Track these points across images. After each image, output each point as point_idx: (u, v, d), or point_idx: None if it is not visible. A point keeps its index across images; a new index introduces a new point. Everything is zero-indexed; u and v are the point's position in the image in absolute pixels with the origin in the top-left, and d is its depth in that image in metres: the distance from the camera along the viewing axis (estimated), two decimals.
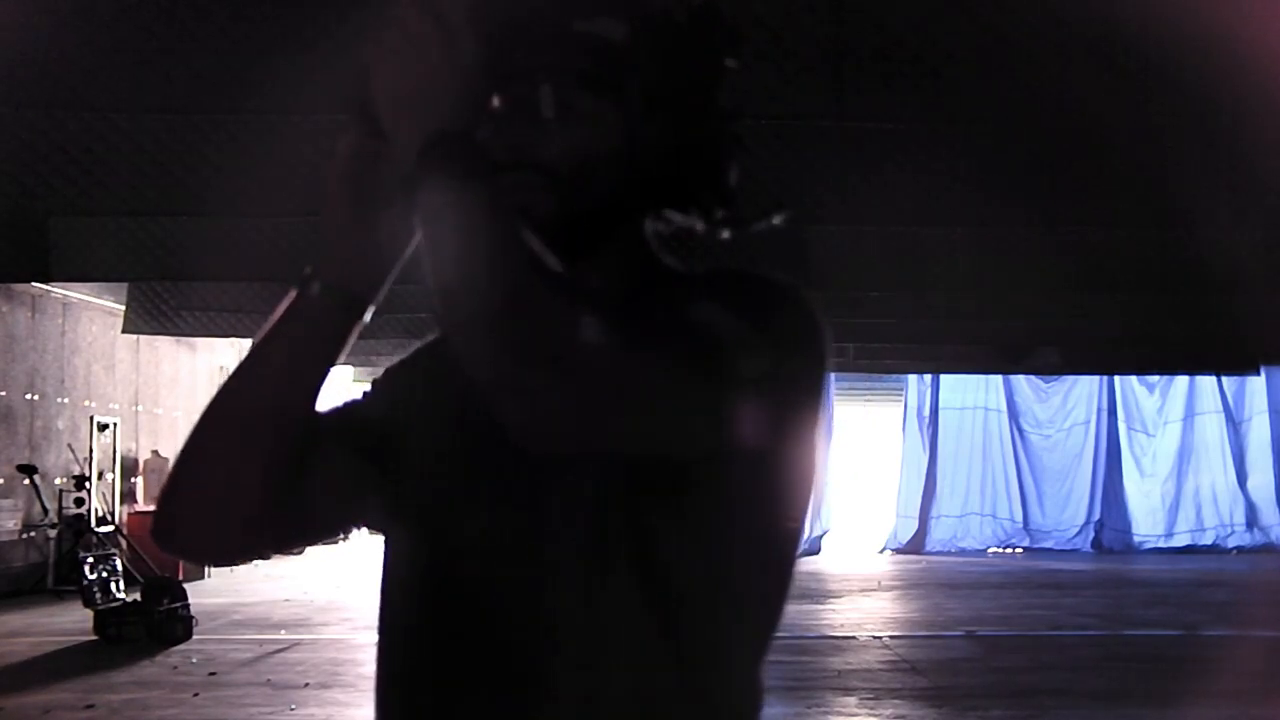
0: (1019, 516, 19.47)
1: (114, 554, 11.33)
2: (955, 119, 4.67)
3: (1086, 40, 4.09)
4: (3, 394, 12.67)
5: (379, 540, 1.23)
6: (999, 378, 18.93)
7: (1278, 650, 8.97)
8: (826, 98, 4.27)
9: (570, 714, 1.07)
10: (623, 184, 1.14)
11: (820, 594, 12.50)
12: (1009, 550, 19.32)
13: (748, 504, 1.09)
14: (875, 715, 6.95)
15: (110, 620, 9.54)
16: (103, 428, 14.24)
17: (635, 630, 1.07)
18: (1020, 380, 19.25)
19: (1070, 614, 11.47)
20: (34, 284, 12.19)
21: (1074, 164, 5.18)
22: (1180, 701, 7.09)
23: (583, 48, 1.10)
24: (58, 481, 13.34)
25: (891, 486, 20.09)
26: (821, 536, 18.21)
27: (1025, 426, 19.61)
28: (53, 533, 12.96)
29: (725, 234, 1.16)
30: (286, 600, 11.87)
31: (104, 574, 10.75)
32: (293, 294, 1.12)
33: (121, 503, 14.64)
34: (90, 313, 14.03)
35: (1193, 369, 15.88)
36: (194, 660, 8.58)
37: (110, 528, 13.30)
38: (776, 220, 1.19)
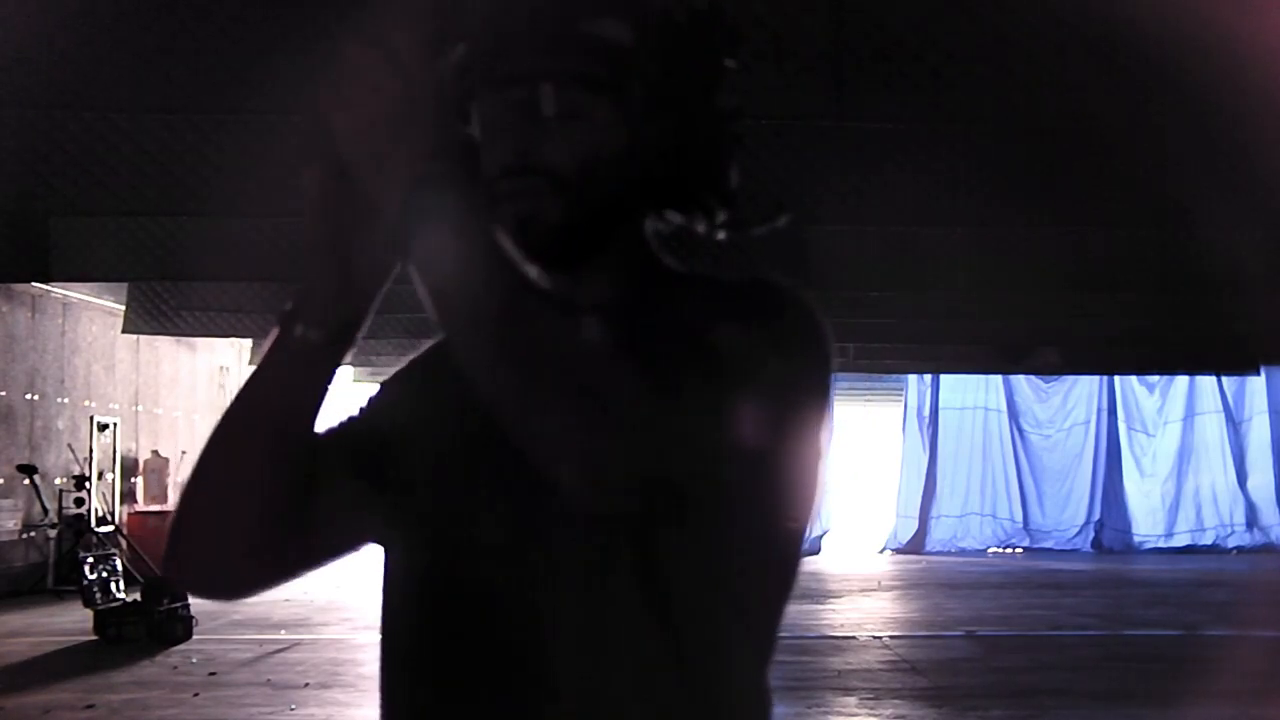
0: (1019, 516, 19.47)
1: (114, 554, 11.32)
2: (955, 119, 4.67)
3: (1086, 40, 4.09)
4: (3, 394, 12.67)
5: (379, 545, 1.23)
6: (999, 378, 18.93)
7: (1278, 650, 8.97)
8: (826, 98, 4.27)
9: (572, 715, 1.07)
10: (624, 185, 1.14)
11: (820, 594, 12.50)
12: (1009, 550, 19.32)
13: (749, 505, 1.09)
14: (875, 715, 6.95)
15: (110, 620, 9.55)
16: (103, 428, 14.24)
17: (637, 631, 1.07)
18: (1020, 380, 19.25)
19: (1070, 614, 11.48)
20: (34, 284, 12.19)
21: (1074, 164, 5.18)
22: (1180, 701, 7.09)
23: (584, 49, 1.10)
24: (58, 481, 13.34)
25: (891, 486, 20.09)
26: (821, 536, 18.21)
27: (1025, 426, 19.61)
28: (53, 533, 12.96)
29: (725, 236, 1.17)
30: (286, 600, 11.86)
31: (104, 574, 10.75)
32: (277, 331, 1.12)
33: (121, 503, 14.65)
34: (90, 313, 14.04)
35: (1193, 369, 15.88)
36: (194, 660, 8.58)
37: (110, 528, 13.30)
38: (777, 223, 1.20)
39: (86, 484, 13.23)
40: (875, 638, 9.85)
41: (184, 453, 16.55)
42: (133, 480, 15.18)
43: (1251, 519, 19.15)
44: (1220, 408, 19.23)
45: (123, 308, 9.80)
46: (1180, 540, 19.12)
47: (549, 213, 1.11)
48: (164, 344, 15.28)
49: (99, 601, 10.29)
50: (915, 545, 19.05)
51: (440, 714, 1.12)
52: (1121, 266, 7.16)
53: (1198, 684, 7.60)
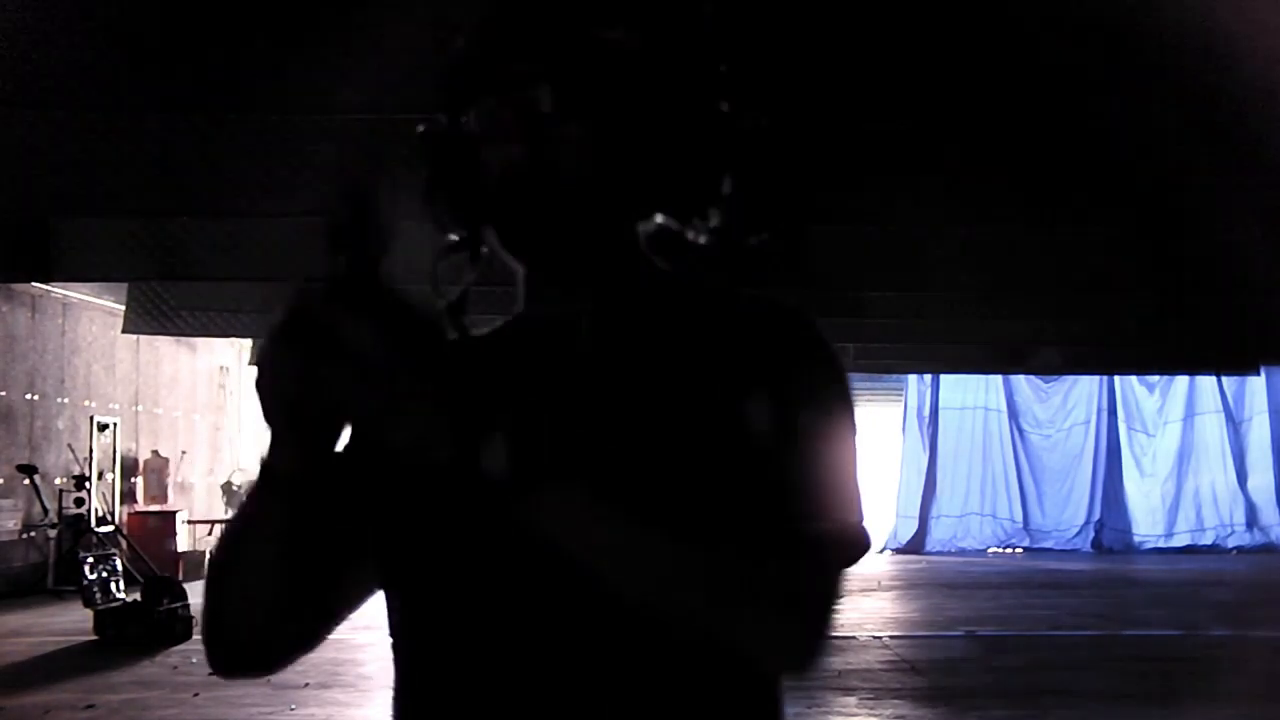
0: (1019, 516, 19.48)
1: (114, 554, 11.33)
2: (955, 119, 4.67)
3: (1087, 41, 4.09)
4: (3, 394, 12.67)
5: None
6: (999, 378, 18.94)
7: (1278, 650, 8.97)
8: (826, 98, 4.28)
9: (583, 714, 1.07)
10: (622, 190, 1.13)
11: None
12: (1009, 550, 19.32)
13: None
14: (875, 715, 6.95)
15: (110, 620, 9.54)
16: (103, 428, 14.24)
17: (649, 633, 1.07)
18: (1020, 380, 19.26)
19: (1070, 614, 11.47)
20: (34, 284, 12.19)
21: (1074, 164, 5.18)
22: (1180, 701, 7.09)
23: (587, 52, 1.10)
24: (58, 481, 13.34)
25: (891, 486, 20.08)
26: None
27: (1025, 426, 19.62)
28: (53, 533, 12.96)
29: (721, 241, 1.16)
30: None
31: (104, 574, 10.75)
32: (257, 480, 1.12)
33: (121, 503, 14.64)
34: (90, 313, 14.04)
35: (1193, 369, 15.90)
36: (194, 660, 8.57)
37: (110, 528, 13.29)
38: (770, 231, 1.20)
39: (86, 484, 13.22)
40: (875, 637, 9.85)
41: (184, 453, 16.55)
42: (133, 480, 15.18)
43: (1251, 519, 19.16)
44: (1220, 408, 19.24)
45: (123, 308, 9.80)
46: (1180, 540, 19.13)
47: (543, 215, 1.11)
48: (164, 344, 15.28)
49: (99, 601, 10.29)
50: (915, 545, 19.05)
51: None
52: (1121, 266, 7.16)
53: (1198, 684, 7.60)
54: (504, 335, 1.20)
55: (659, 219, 1.15)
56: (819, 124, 4.68)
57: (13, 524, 12.79)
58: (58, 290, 13.18)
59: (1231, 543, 19.05)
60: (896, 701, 7.26)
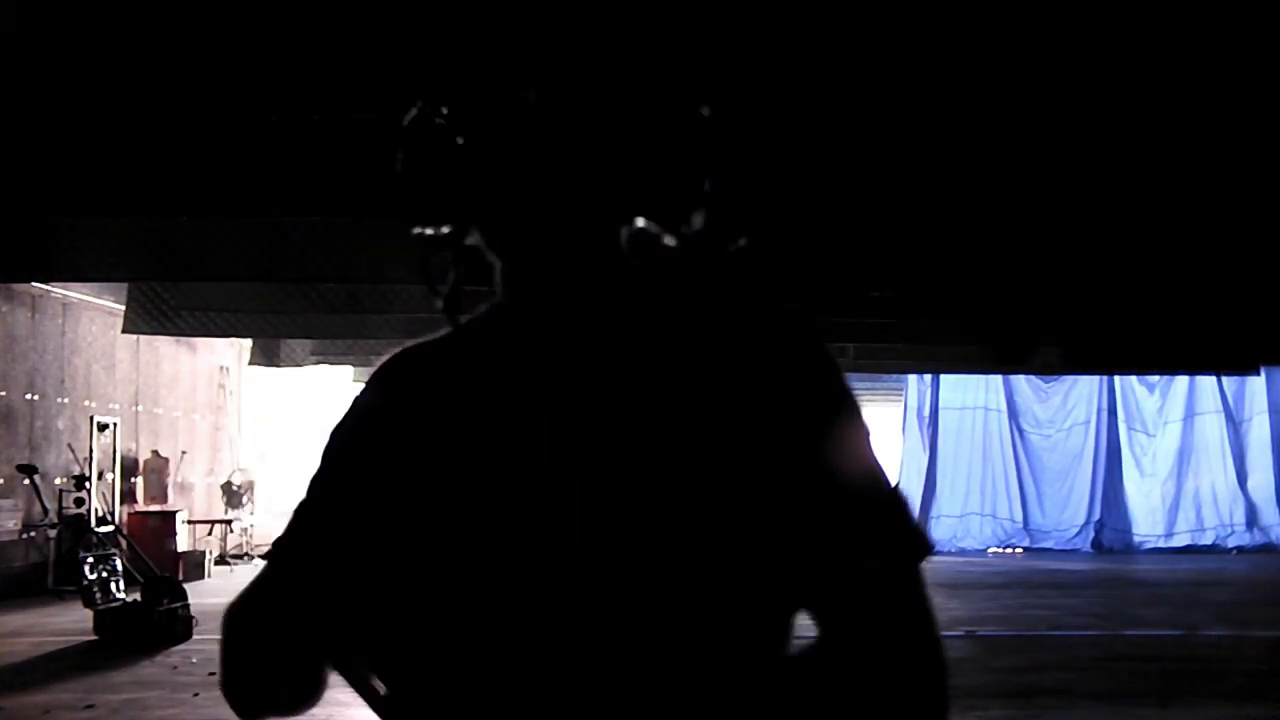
0: (1019, 516, 19.48)
1: (114, 554, 11.33)
2: (955, 118, 4.67)
3: (1086, 37, 4.09)
4: (3, 394, 12.67)
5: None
6: (999, 378, 18.94)
7: (1278, 650, 8.97)
8: (824, 100, 4.27)
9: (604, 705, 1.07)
10: (603, 194, 1.12)
11: None
12: (1009, 550, 19.33)
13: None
14: None
15: (110, 620, 9.54)
16: (103, 428, 14.24)
17: (678, 625, 1.07)
18: (1020, 380, 19.26)
19: (1070, 614, 11.47)
20: (34, 284, 12.20)
21: (1074, 163, 5.18)
22: (1180, 701, 7.10)
23: (572, 59, 1.10)
24: (58, 481, 13.34)
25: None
26: None
27: (1025, 426, 19.62)
28: (53, 533, 12.96)
29: (697, 247, 1.15)
30: None
31: (104, 574, 10.75)
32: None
33: (121, 503, 14.64)
34: (90, 313, 14.04)
35: (1193, 369, 15.89)
36: (194, 660, 8.58)
37: (110, 528, 13.28)
38: (748, 238, 1.18)
39: (86, 484, 13.22)
40: None
41: (184, 453, 16.55)
42: (133, 480, 15.18)
43: (1251, 519, 19.17)
44: (1220, 408, 19.25)
45: (123, 308, 9.81)
46: (1180, 540, 19.13)
47: (523, 218, 1.10)
48: (164, 344, 15.28)
49: (99, 601, 10.30)
50: None
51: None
52: (1121, 266, 7.16)
53: (1198, 684, 7.61)
54: (491, 341, 1.17)
55: (640, 222, 1.14)
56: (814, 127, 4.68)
57: (13, 524, 12.79)
58: (58, 290, 13.18)
59: (1231, 543, 19.05)
60: None
